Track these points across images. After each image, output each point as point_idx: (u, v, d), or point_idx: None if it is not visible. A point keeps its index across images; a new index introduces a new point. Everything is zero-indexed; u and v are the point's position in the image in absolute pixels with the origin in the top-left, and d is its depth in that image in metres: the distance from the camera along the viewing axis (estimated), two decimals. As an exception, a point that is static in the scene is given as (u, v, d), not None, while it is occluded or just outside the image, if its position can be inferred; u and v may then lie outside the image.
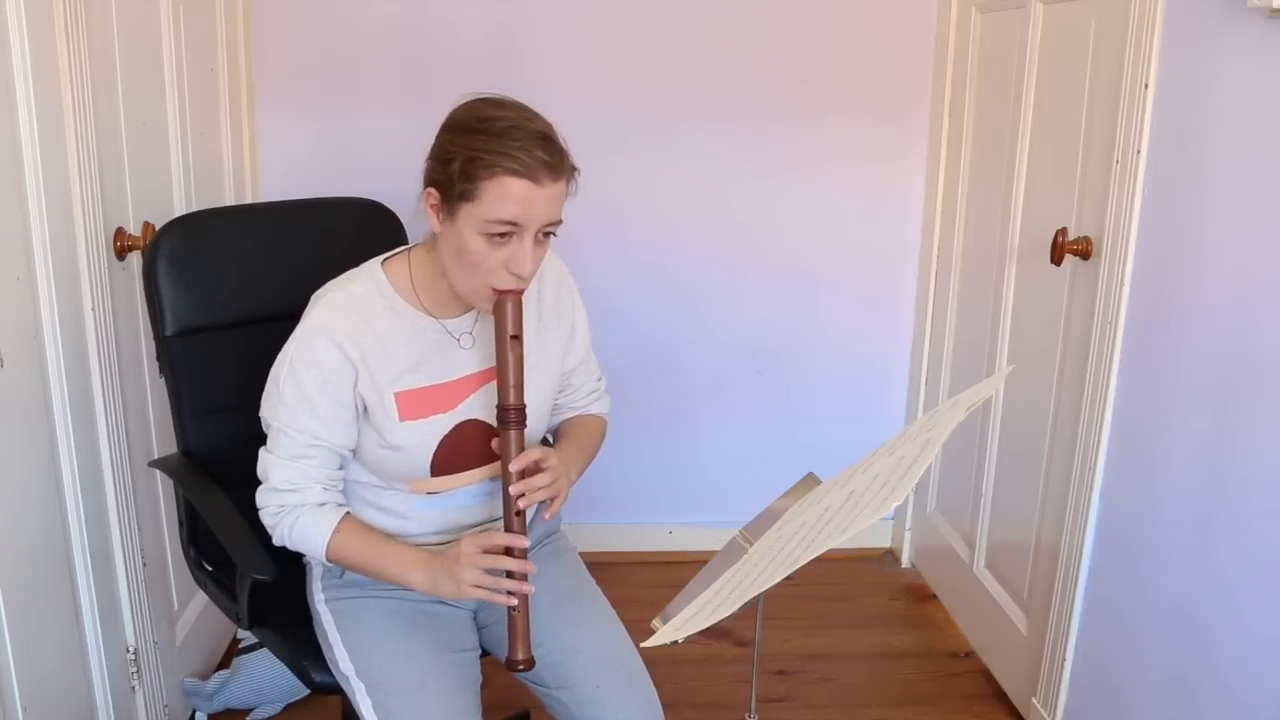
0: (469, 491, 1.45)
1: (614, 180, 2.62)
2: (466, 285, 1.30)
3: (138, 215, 1.84)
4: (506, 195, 1.22)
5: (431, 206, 1.29)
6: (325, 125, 2.51)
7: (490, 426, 1.40)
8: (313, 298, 1.38)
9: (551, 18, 2.50)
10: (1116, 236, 1.77)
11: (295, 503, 1.36)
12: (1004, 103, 2.24)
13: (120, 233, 1.77)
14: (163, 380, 1.62)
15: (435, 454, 1.39)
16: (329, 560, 1.37)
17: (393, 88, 2.52)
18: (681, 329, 2.74)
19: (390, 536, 1.42)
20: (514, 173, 1.21)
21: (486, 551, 1.28)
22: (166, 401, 1.63)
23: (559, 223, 1.28)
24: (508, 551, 1.29)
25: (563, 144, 1.27)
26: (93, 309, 1.68)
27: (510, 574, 1.28)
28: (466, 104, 1.29)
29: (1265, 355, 1.46)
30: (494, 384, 1.35)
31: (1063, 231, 1.88)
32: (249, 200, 2.43)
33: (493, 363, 1.37)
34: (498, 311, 1.29)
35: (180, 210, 2.02)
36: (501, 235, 1.24)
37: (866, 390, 2.84)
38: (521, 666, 1.33)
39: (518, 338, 1.29)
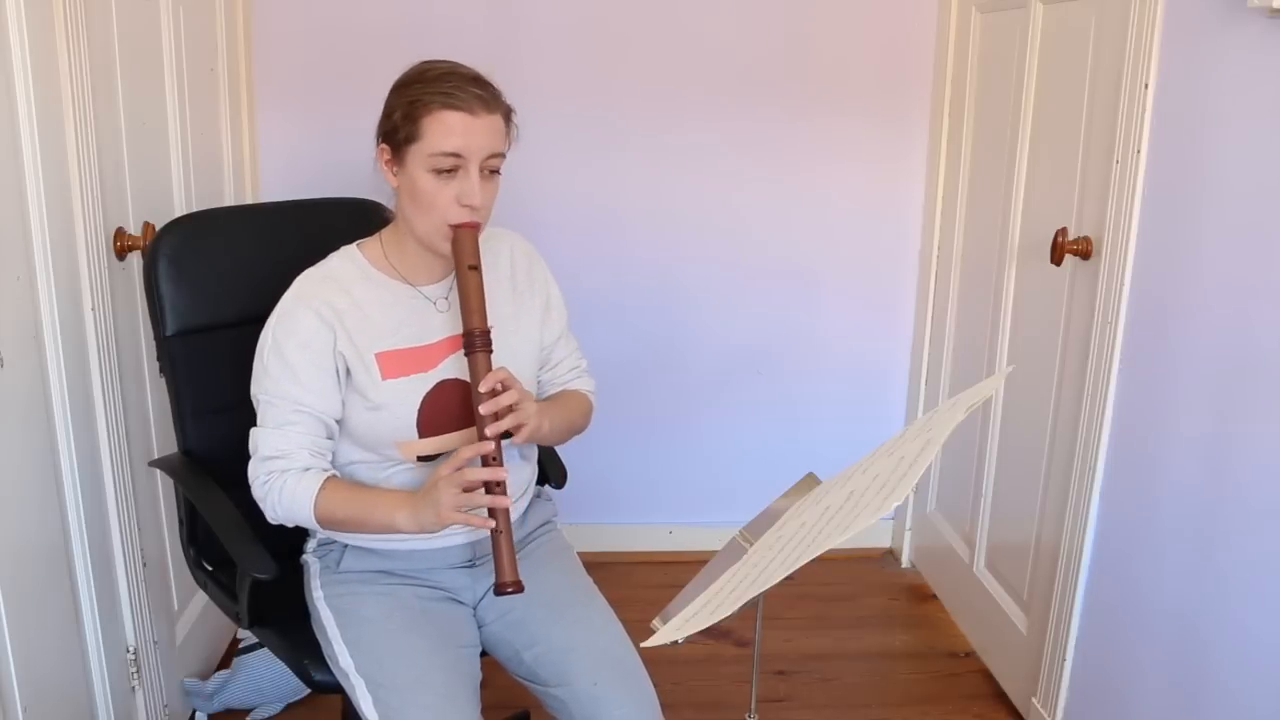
0: None
1: (614, 180, 2.62)
2: (425, 227, 1.37)
3: (138, 215, 1.84)
4: (446, 128, 1.31)
5: (385, 162, 1.38)
6: (325, 125, 2.51)
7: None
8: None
9: (552, 18, 2.50)
10: (1116, 236, 1.77)
11: (282, 468, 1.38)
12: (1004, 103, 2.24)
13: (120, 233, 1.77)
14: (163, 380, 1.62)
15: (419, 412, 1.41)
16: (318, 520, 1.38)
17: (393, 88, 2.52)
18: (682, 328, 2.74)
19: (374, 487, 1.44)
20: (450, 106, 1.31)
21: (460, 467, 1.30)
22: (166, 401, 1.63)
23: (502, 156, 1.37)
24: (483, 464, 1.32)
25: (496, 86, 1.36)
26: (93, 309, 1.68)
27: (489, 492, 1.31)
28: (406, 70, 1.39)
29: (1265, 354, 1.45)
30: None
31: (1063, 231, 1.88)
32: (249, 200, 2.43)
33: None
34: (455, 245, 1.36)
35: (180, 210, 2.02)
36: (449, 171, 1.32)
37: (867, 390, 2.84)
38: (510, 589, 1.32)
39: (475, 267, 1.36)
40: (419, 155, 1.32)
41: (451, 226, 1.35)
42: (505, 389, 1.36)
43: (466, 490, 1.30)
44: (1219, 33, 1.53)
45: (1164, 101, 1.67)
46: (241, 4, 2.36)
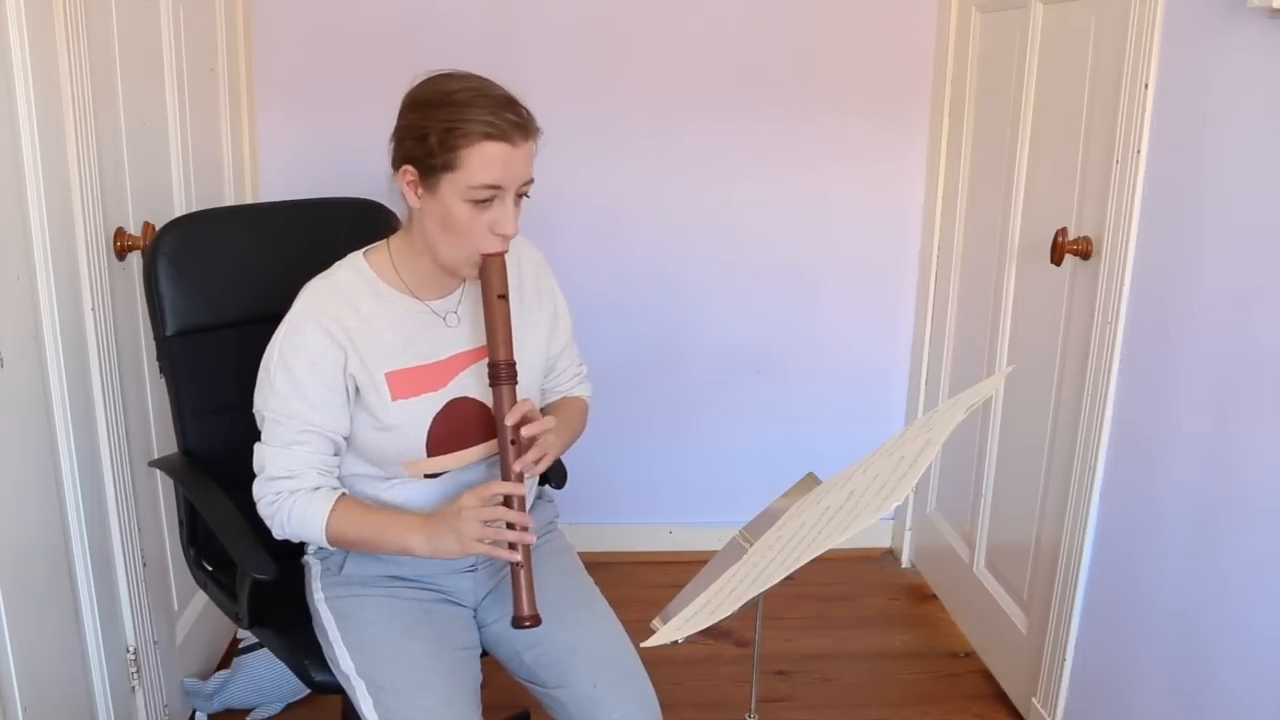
0: (468, 475, 1.46)
1: (615, 180, 2.62)
2: (454, 255, 1.34)
3: (138, 215, 1.84)
4: (488, 160, 1.27)
5: (409, 184, 1.33)
6: (325, 125, 2.51)
7: (483, 404, 1.42)
8: (299, 293, 1.40)
9: (553, 18, 2.50)
10: (1116, 236, 1.77)
11: (291, 489, 1.36)
12: (1004, 103, 2.24)
13: (120, 233, 1.77)
14: (163, 380, 1.62)
15: (429, 432, 1.40)
16: (329, 541, 1.37)
17: (393, 87, 2.47)
18: (682, 329, 2.74)
19: (387, 507, 1.43)
20: (491, 137, 1.26)
21: (486, 502, 1.30)
22: (166, 401, 1.63)
23: (532, 181, 1.34)
24: (506, 502, 1.31)
25: (526, 107, 1.32)
26: (93, 309, 1.68)
27: (510, 527, 1.30)
28: (423, 82, 1.34)
29: (1265, 355, 1.46)
30: (484, 362, 1.38)
31: (1063, 231, 1.88)
32: (249, 200, 2.43)
33: (481, 341, 1.40)
34: (484, 274, 1.34)
35: (180, 210, 2.02)
36: (485, 201, 1.29)
37: (866, 390, 2.84)
38: (528, 623, 1.32)
39: (504, 297, 1.34)
40: (456, 185, 1.28)
41: (483, 255, 1.33)
42: (528, 421, 1.35)
43: (490, 522, 1.30)
44: (1219, 33, 1.53)
45: (1164, 101, 1.67)
46: (241, 4, 2.36)
